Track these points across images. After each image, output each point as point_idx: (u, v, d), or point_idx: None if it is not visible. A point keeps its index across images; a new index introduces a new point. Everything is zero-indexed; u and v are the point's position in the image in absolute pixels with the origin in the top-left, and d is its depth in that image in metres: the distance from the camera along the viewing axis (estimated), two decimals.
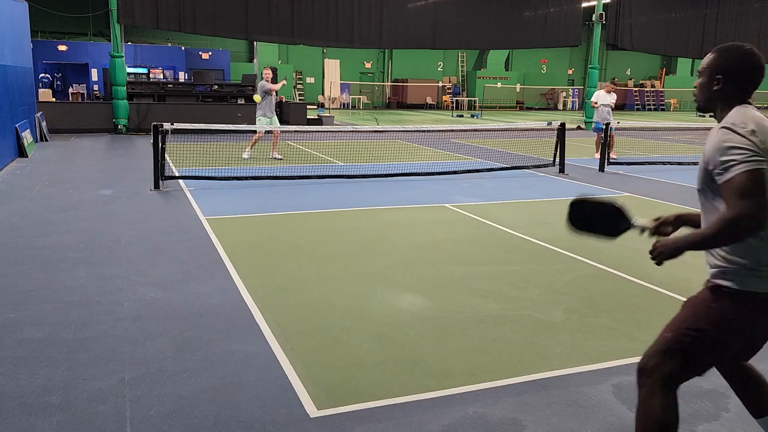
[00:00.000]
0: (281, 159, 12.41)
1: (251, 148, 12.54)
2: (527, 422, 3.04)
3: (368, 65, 38.79)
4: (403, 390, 3.32)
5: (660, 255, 2.28)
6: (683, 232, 2.40)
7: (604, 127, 12.27)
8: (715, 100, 2.31)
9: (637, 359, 3.75)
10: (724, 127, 2.15)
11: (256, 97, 12.21)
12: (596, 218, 2.61)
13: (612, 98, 14.01)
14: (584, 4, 23.69)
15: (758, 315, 2.26)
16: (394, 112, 33.48)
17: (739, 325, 2.29)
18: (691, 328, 2.32)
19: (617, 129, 14.94)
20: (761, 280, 2.22)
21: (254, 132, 12.63)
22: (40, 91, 19.14)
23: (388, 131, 17.68)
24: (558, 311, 4.53)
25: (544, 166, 11.85)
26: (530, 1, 22.65)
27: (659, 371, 2.41)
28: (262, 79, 12.49)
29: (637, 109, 40.59)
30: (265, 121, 12.21)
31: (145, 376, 3.41)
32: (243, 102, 19.72)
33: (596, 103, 14.02)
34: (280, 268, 5.50)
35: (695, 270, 5.57)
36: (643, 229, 2.59)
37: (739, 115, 2.19)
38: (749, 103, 2.27)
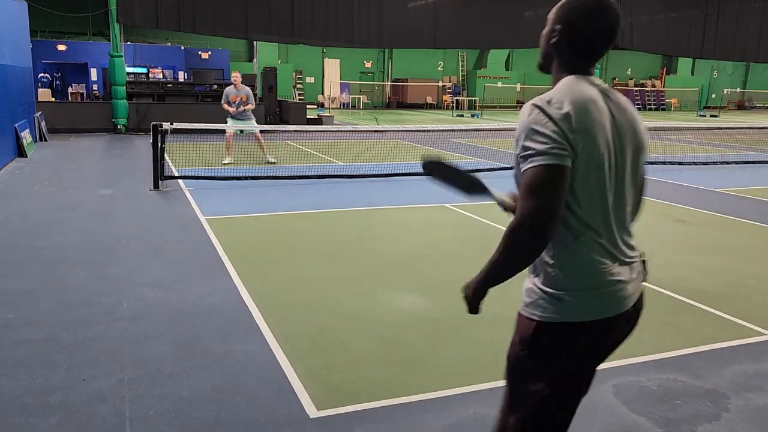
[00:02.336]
0: (274, 162, 11.95)
1: (229, 154, 11.89)
2: None
3: (368, 65, 38.78)
4: (403, 390, 3.31)
5: (467, 303, 1.90)
6: None
7: None
8: (550, 57, 1.87)
9: (637, 359, 3.77)
10: (535, 105, 1.70)
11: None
12: (452, 177, 2.34)
13: None
14: None
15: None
16: (394, 112, 33.48)
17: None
18: None
19: None
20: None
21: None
22: (40, 90, 19.12)
23: (388, 131, 17.68)
24: None
25: None
26: (530, 0, 22.64)
27: None
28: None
29: (638, 109, 40.35)
30: (231, 122, 11.77)
31: (144, 376, 3.40)
32: None
33: None
34: (280, 268, 5.49)
35: (697, 270, 5.57)
36: (500, 203, 2.21)
37: (564, 89, 1.75)
38: (587, 74, 1.83)
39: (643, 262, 1.97)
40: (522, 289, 1.93)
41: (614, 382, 3.45)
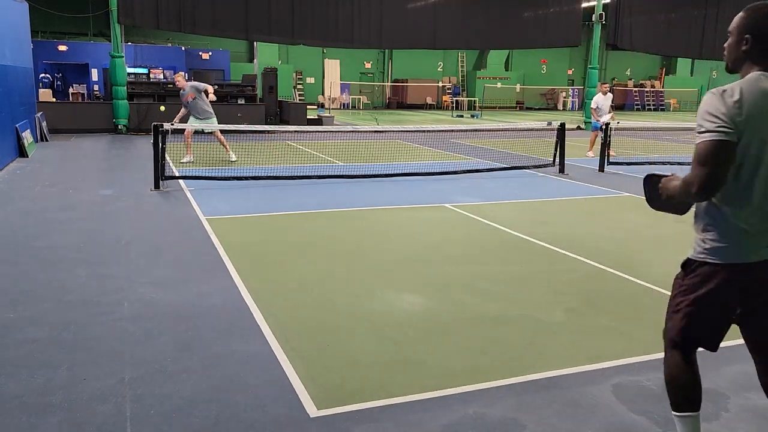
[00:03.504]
0: (235, 160, 11.80)
1: (188, 152, 11.80)
2: (527, 422, 3.04)
3: (368, 65, 38.79)
4: (403, 390, 3.32)
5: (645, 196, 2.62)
6: None
7: (603, 126, 12.30)
8: (742, 61, 2.29)
9: (637, 359, 3.79)
10: (713, 92, 2.19)
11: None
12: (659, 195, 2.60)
13: (609, 99, 14.08)
14: (584, 4, 23.68)
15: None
16: (394, 112, 33.49)
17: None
18: None
19: (617, 129, 14.99)
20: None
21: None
22: (41, 91, 19.12)
23: (388, 131, 17.69)
24: (558, 311, 4.53)
25: (544, 166, 11.85)
26: (530, 1, 22.64)
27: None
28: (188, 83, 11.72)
29: (637, 109, 40.59)
30: (192, 121, 11.60)
31: (145, 376, 3.41)
32: (243, 102, 19.71)
33: (597, 108, 14.03)
34: (280, 268, 5.50)
35: None
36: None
37: (744, 81, 2.21)
38: None
39: None
40: None
41: (614, 382, 3.46)
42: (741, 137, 2.15)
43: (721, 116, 2.12)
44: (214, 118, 11.76)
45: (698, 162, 2.15)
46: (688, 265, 2.46)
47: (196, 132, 12.05)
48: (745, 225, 2.27)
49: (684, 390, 2.54)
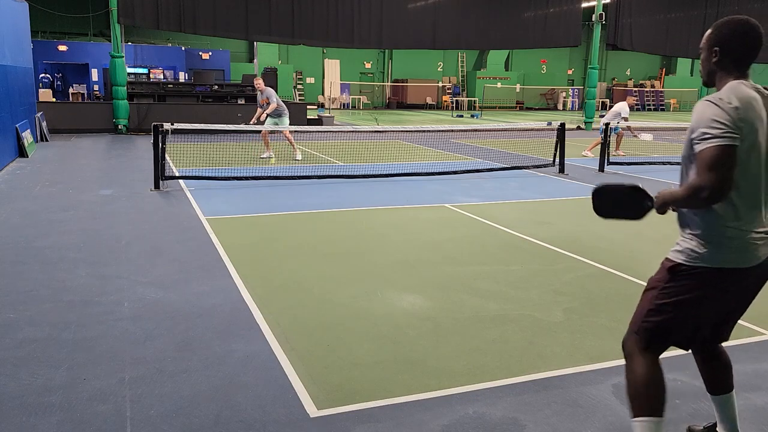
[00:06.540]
0: (301, 159, 12.46)
1: (267, 148, 12.72)
2: (527, 422, 3.04)
3: (368, 65, 38.80)
4: (403, 390, 3.32)
5: (656, 208, 2.53)
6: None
7: (604, 128, 12.31)
8: (714, 73, 2.41)
9: None
10: (710, 101, 2.26)
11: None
12: (618, 203, 2.65)
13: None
14: (584, 4, 23.68)
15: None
16: (394, 112, 33.48)
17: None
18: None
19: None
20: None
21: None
22: (41, 91, 19.14)
23: (388, 131, 17.69)
24: (558, 311, 4.54)
25: (544, 166, 11.85)
26: (530, 1, 22.64)
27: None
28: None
29: (637, 109, 40.57)
30: (269, 122, 12.33)
31: (145, 376, 3.41)
32: (243, 102, 19.72)
33: (626, 118, 14.10)
34: (280, 268, 5.50)
35: None
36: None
37: (729, 90, 2.30)
38: (745, 79, 2.35)
39: None
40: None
41: (614, 382, 3.46)
42: (742, 143, 2.23)
43: (726, 122, 2.20)
44: (284, 119, 12.37)
45: (707, 168, 2.19)
46: (677, 268, 2.48)
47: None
48: (738, 229, 2.34)
49: (662, 391, 2.52)
